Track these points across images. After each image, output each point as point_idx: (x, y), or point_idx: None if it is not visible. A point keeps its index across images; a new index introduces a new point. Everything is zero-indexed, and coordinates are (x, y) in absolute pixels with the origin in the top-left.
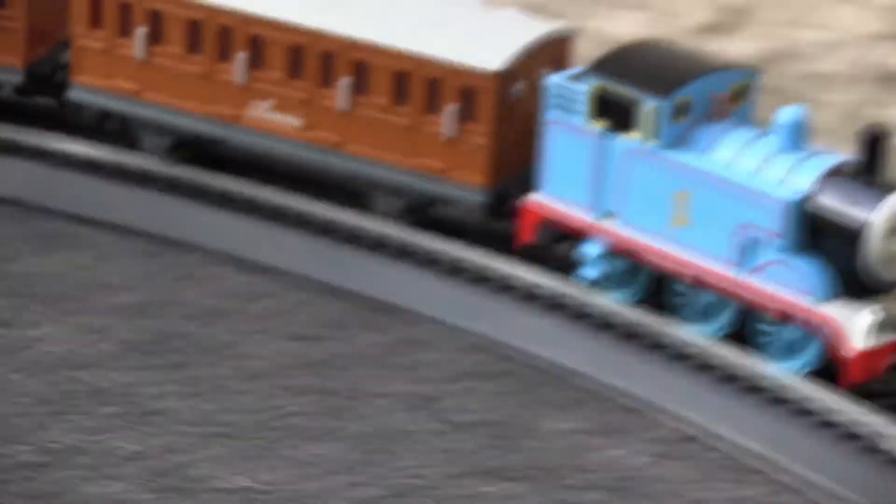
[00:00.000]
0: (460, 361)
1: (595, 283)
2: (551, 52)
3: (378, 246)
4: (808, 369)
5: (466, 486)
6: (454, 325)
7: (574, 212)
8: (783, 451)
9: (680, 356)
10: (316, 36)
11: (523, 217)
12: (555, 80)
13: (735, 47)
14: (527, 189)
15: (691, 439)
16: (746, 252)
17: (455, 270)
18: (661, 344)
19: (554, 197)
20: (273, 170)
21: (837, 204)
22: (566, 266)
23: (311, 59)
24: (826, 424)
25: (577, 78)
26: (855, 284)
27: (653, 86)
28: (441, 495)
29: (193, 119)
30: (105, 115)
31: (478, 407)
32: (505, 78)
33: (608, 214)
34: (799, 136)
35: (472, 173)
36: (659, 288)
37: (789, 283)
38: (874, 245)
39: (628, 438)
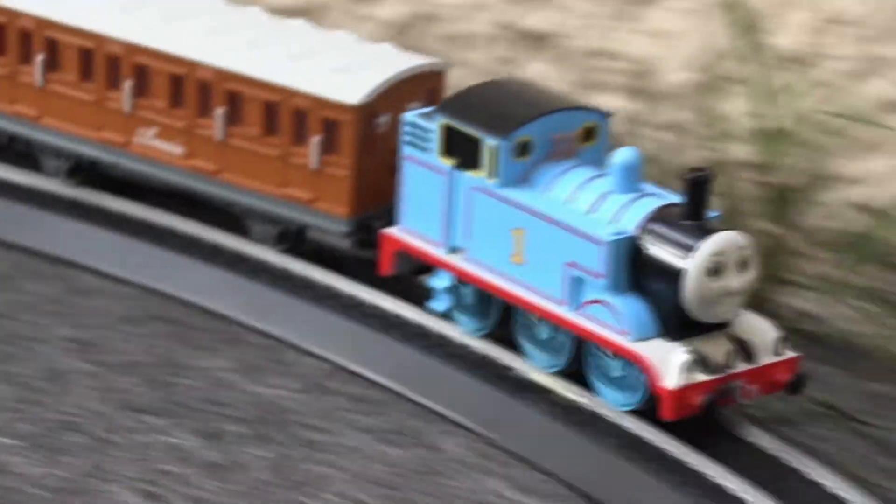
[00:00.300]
0: (119, 309)
1: (446, 315)
2: (423, 86)
3: (46, 201)
4: (638, 404)
5: (119, 421)
6: (117, 275)
7: (426, 245)
8: (412, 383)
9: (323, 297)
10: (194, 66)
11: (382, 248)
12: (408, 117)
13: (383, 12)
14: (391, 221)
15: (329, 375)
16: (574, 290)
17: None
18: (306, 285)
19: (409, 230)
20: (160, 191)
21: (658, 246)
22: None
23: (190, 88)
24: (456, 357)
25: (429, 116)
26: (677, 324)
27: (494, 125)
28: (95, 429)
29: (88, 144)
30: (11, 139)
31: (132, 350)
32: (365, 111)
33: (456, 249)
34: (632, 177)
35: (336, 204)
36: (509, 318)
37: (610, 322)
38: (691, 287)
39: (269, 375)
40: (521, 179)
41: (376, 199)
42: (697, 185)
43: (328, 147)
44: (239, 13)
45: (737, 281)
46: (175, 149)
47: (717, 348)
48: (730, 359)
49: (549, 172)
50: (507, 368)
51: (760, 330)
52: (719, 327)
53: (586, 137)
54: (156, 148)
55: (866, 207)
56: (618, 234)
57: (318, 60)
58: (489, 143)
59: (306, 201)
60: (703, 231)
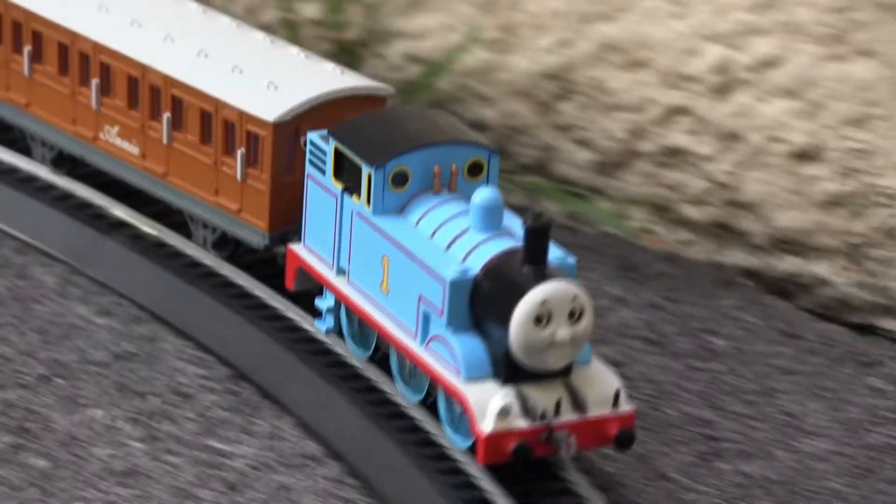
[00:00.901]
0: None
1: (331, 334)
2: (363, 109)
3: None
4: (471, 445)
5: None
6: None
7: (319, 264)
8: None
9: None
10: (146, 69)
11: (287, 263)
12: (310, 137)
13: None
14: None
15: None
16: (424, 324)
17: None
18: None
19: (308, 248)
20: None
21: (494, 289)
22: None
23: (144, 91)
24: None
25: (326, 138)
26: (509, 368)
27: (373, 153)
28: None
29: (64, 136)
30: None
31: None
32: (285, 128)
33: (342, 271)
34: (490, 216)
35: (257, 217)
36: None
37: (447, 359)
38: (516, 334)
39: None
40: (397, 209)
41: (297, 215)
42: (536, 233)
43: (251, 161)
44: (207, 21)
45: (566, 332)
46: (133, 148)
47: (545, 396)
48: (557, 408)
49: (424, 204)
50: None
51: (601, 381)
52: (558, 374)
53: (472, 172)
54: (118, 146)
55: (418, 58)
56: (460, 272)
57: (256, 75)
58: (366, 170)
59: (234, 211)
60: (537, 278)
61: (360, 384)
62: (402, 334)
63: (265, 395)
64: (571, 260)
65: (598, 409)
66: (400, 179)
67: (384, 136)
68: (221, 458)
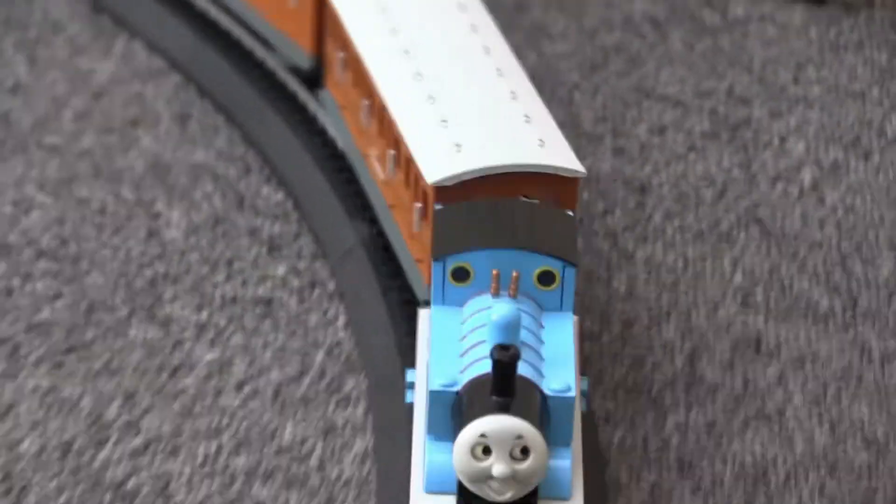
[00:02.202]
0: None
1: None
2: (548, 188)
3: None
4: None
5: None
6: None
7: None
8: None
9: None
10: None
11: None
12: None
13: None
14: None
15: None
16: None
17: None
18: None
19: None
20: None
21: (462, 409)
22: None
23: (376, 106)
24: None
25: None
26: (461, 491)
27: (441, 244)
28: None
29: None
30: None
31: None
32: (445, 193)
33: None
34: (503, 333)
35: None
36: None
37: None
38: (455, 459)
39: None
40: (459, 302)
41: None
42: (499, 365)
43: (424, 216)
44: (472, 55)
45: (503, 468)
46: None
47: None
48: None
49: (478, 304)
50: None
51: None
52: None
53: (543, 281)
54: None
55: None
56: (443, 385)
57: (455, 126)
58: (434, 261)
59: (415, 259)
60: (485, 410)
61: None
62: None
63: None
64: (571, 394)
65: None
66: (461, 275)
67: (465, 228)
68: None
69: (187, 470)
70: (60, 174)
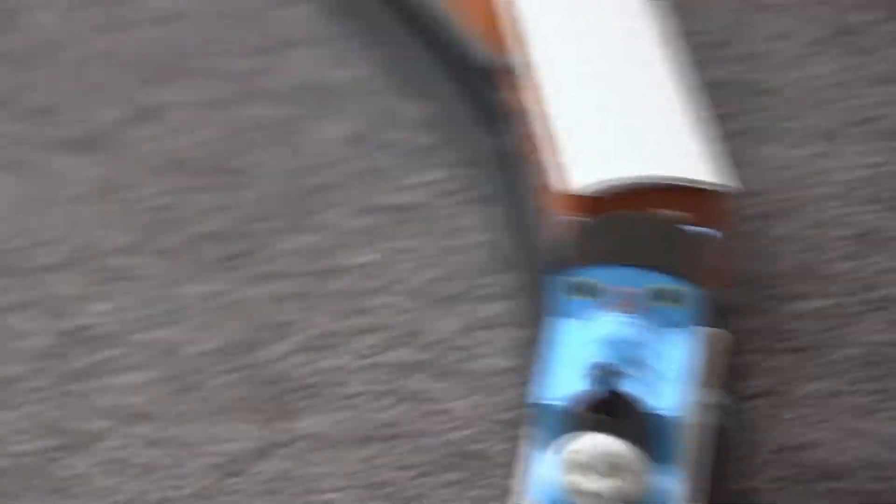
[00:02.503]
0: None
1: None
2: (700, 202)
3: None
4: None
5: None
6: None
7: None
8: None
9: None
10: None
11: None
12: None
13: None
14: None
15: None
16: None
17: None
18: None
19: None
20: None
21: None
22: None
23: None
24: None
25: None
26: None
27: (568, 258)
28: None
29: None
30: None
31: None
32: (588, 203)
33: None
34: (612, 350)
35: None
36: None
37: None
38: (556, 475)
39: None
40: (581, 315)
41: None
42: (598, 383)
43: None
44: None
45: (594, 485)
46: None
47: None
48: None
49: (596, 320)
50: None
51: None
52: None
53: (665, 299)
54: None
55: None
56: (552, 399)
57: (608, 138)
58: (558, 274)
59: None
60: (585, 426)
61: None
62: None
63: None
64: (676, 413)
65: None
66: (585, 289)
67: (595, 241)
68: None
69: (346, 365)
70: (219, 94)
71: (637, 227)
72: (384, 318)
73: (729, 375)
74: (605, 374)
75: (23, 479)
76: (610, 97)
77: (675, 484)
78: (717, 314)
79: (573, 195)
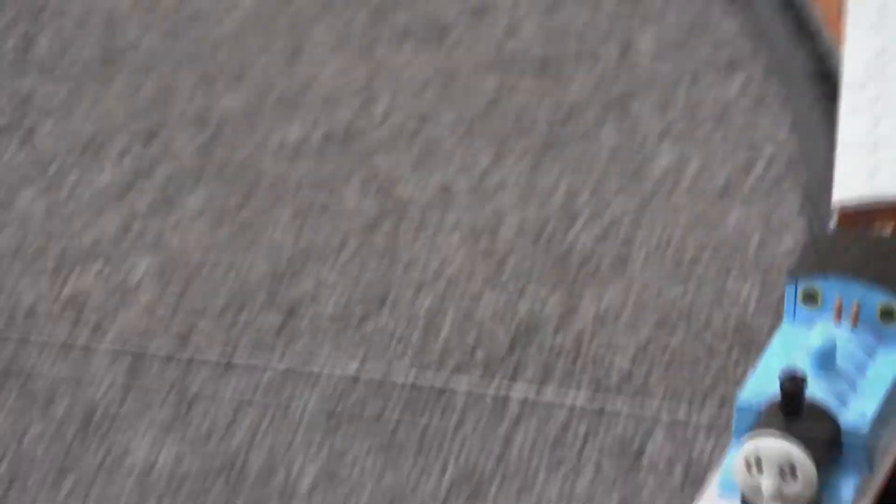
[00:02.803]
0: None
1: None
2: None
3: None
4: None
5: None
6: None
7: None
8: None
9: None
10: None
11: None
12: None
13: None
14: None
15: None
16: None
17: None
18: None
19: None
20: None
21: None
22: None
23: None
24: None
25: None
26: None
27: (800, 263)
28: None
29: None
30: None
31: None
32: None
33: None
34: (821, 359)
35: None
36: None
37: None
38: (735, 471)
39: None
40: (805, 323)
41: None
42: (784, 391)
43: None
44: None
45: (771, 484)
46: None
47: None
48: None
49: (817, 326)
50: None
51: None
52: None
53: (885, 317)
54: None
55: None
56: (751, 399)
57: (883, 151)
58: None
59: None
60: (768, 425)
61: None
62: None
63: None
64: (863, 429)
65: None
66: (810, 298)
67: (828, 252)
68: None
69: (643, 252)
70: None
71: (873, 244)
72: (680, 209)
73: None
74: (793, 380)
75: (329, 336)
76: None
77: (848, 494)
78: None
79: (834, 207)
